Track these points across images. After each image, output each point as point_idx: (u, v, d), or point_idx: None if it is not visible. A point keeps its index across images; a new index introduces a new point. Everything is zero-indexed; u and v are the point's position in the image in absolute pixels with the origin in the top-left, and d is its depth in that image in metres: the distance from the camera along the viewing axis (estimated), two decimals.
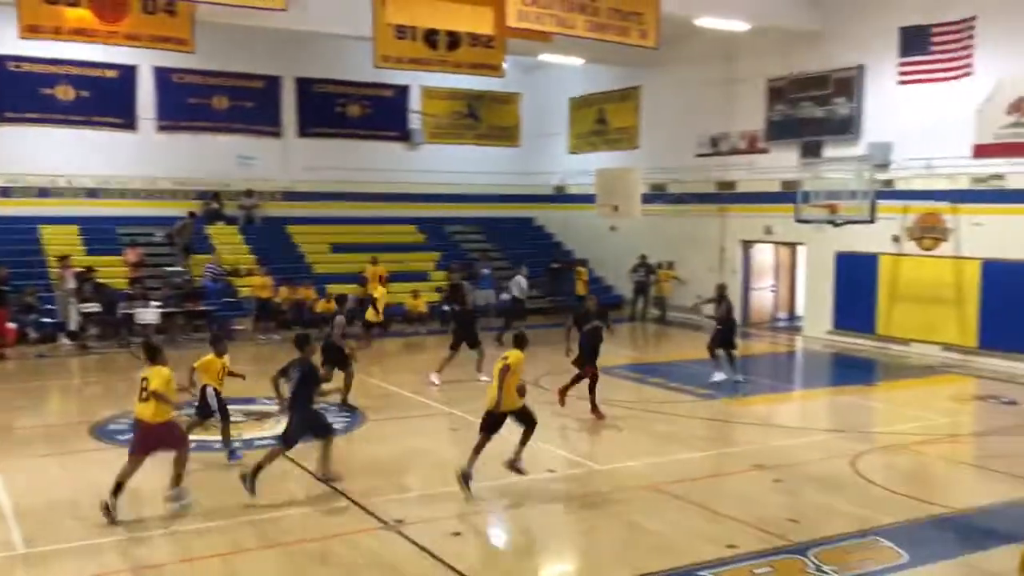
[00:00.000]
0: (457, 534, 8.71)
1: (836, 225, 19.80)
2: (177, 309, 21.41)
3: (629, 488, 10.24)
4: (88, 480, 10.09)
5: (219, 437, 11.40)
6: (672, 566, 7.91)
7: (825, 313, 21.81)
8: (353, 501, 9.61)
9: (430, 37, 20.09)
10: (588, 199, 26.08)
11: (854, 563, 8.08)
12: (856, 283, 20.92)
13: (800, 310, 23.85)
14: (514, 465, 10.11)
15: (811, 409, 15.49)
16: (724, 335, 16.12)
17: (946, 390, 16.10)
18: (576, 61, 25.56)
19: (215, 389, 11.07)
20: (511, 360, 9.91)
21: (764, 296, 24.87)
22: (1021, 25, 17.74)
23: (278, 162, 27.25)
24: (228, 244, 25.17)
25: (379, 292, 21.04)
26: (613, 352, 18.11)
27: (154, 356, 9.14)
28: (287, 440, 9.86)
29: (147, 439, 9.04)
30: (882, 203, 19.32)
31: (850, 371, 18.84)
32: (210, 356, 11.09)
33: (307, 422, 9.91)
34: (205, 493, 9.80)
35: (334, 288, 23.26)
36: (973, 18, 18.29)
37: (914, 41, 19.22)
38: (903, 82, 19.45)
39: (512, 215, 30.95)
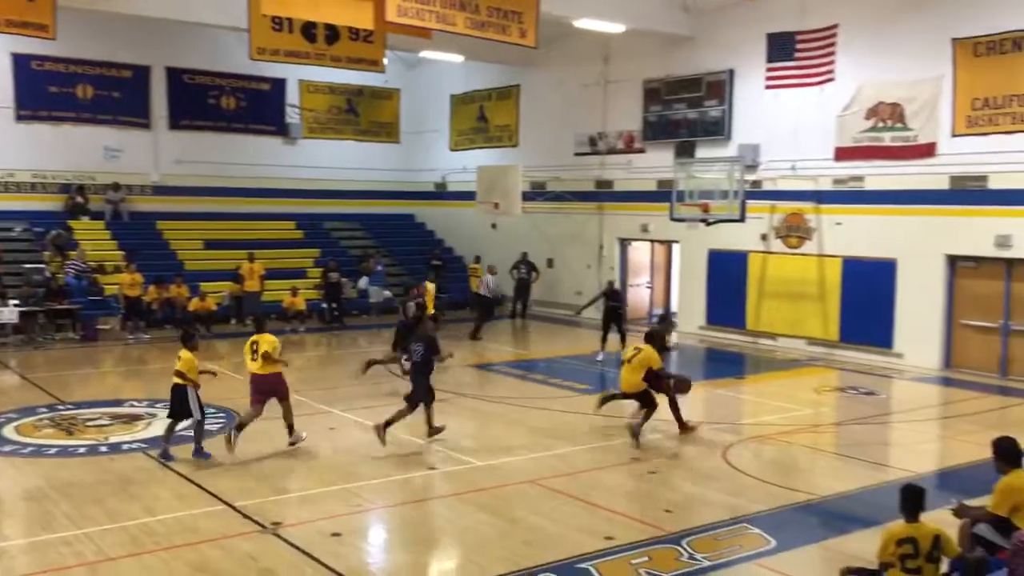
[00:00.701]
0: (336, 535, 8.60)
1: (708, 224, 20.43)
2: (38, 308, 20.36)
3: (509, 483, 10.32)
4: None
5: (80, 442, 10.92)
6: (552, 559, 8.02)
7: (698, 309, 22.51)
8: (228, 504, 9.37)
9: (308, 30, 19.73)
10: (469, 196, 26.15)
11: (725, 550, 8.37)
12: (727, 280, 21.68)
13: (675, 306, 24.53)
14: (635, 432, 11.91)
15: (685, 402, 15.93)
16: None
17: (810, 382, 16.85)
18: (456, 58, 25.59)
19: (195, 388, 10.95)
20: (644, 353, 12.13)
21: (641, 292, 25.47)
22: (879, 33, 18.72)
23: (148, 155, 26.26)
24: (94, 240, 24.09)
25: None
26: (495, 349, 18.29)
27: (261, 326, 11.42)
28: (412, 403, 11.72)
29: (260, 388, 11.27)
30: (751, 203, 20.06)
31: (721, 365, 19.52)
32: (189, 354, 10.97)
33: (425, 388, 11.68)
34: (70, 500, 9.39)
35: (208, 286, 22.61)
36: (835, 26, 19.19)
37: (780, 47, 20.00)
38: (770, 86, 20.25)
39: (393, 212, 30.74)
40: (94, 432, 12.30)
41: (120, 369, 17.23)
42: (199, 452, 10.97)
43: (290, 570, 7.83)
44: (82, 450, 11.41)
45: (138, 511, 9.13)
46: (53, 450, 11.41)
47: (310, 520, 8.98)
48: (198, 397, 10.94)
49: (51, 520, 8.84)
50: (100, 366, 18.05)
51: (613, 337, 18.46)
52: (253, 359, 11.13)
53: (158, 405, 13.96)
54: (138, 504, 9.35)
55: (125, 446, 11.65)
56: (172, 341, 20.33)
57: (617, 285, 21.30)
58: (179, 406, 10.88)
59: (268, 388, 11.22)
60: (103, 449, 11.47)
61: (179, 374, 10.88)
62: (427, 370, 11.73)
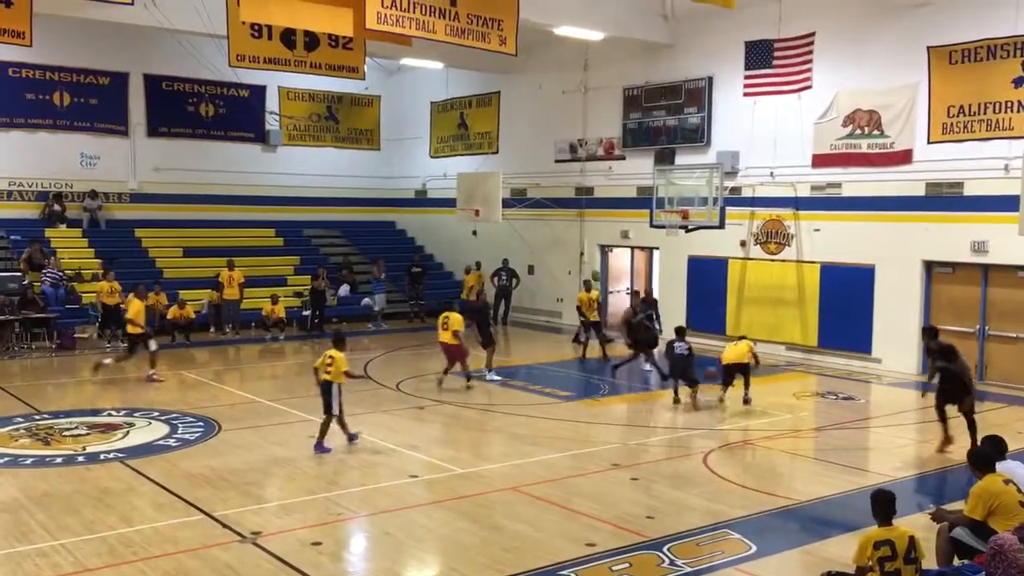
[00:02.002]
0: (317, 543, 8.56)
1: (688, 230, 20.52)
2: (12, 316, 20.15)
3: (490, 491, 10.31)
4: None
5: (57, 452, 10.83)
6: (534, 566, 8.01)
7: (679, 315, 22.52)
8: (207, 514, 9.30)
9: (287, 37, 19.63)
10: (450, 203, 26.14)
11: (706, 556, 8.39)
12: (707, 286, 21.77)
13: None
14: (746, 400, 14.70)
15: (665, 408, 15.99)
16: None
17: (790, 387, 16.94)
18: (436, 65, 25.58)
19: (339, 386, 11.88)
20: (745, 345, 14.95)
21: (622, 299, 25.50)
22: (856, 41, 18.89)
23: (125, 162, 26.08)
24: (71, 248, 23.89)
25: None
26: (476, 356, 18.23)
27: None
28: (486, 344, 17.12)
29: (449, 352, 15.99)
30: (730, 209, 20.15)
31: (701, 371, 19.52)
32: (341, 354, 11.95)
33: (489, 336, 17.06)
34: (46, 511, 9.29)
35: (187, 294, 22.47)
36: (812, 34, 19.33)
37: (758, 55, 20.16)
38: (748, 94, 20.37)
39: (373, 219, 30.67)
40: (71, 442, 12.19)
41: (97, 378, 17.06)
42: (319, 446, 11.82)
43: None
44: (59, 460, 11.29)
45: (116, 521, 9.05)
46: (29, 460, 11.29)
47: (290, 529, 8.93)
48: (340, 395, 11.91)
49: (27, 531, 8.75)
50: (77, 375, 17.87)
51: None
52: (443, 330, 13.88)
53: (136, 414, 13.88)
54: (115, 514, 9.26)
55: (103, 456, 11.54)
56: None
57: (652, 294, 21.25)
58: (327, 400, 11.93)
59: (455, 352, 15.83)
60: (80, 459, 11.35)
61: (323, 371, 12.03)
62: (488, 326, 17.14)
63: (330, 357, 11.94)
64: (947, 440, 12.23)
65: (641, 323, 17.55)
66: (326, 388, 11.93)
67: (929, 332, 13.05)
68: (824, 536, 9.02)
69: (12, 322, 20.11)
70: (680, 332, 15.66)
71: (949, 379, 12.18)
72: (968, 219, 17.28)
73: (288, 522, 9.17)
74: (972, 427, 11.96)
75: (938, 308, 18.12)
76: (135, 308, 16.60)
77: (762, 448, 12.53)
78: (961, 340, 17.61)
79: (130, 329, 16.78)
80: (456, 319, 15.93)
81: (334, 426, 11.92)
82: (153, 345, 16.59)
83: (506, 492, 10.26)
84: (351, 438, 12.07)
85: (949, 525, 7.24)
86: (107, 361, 17.10)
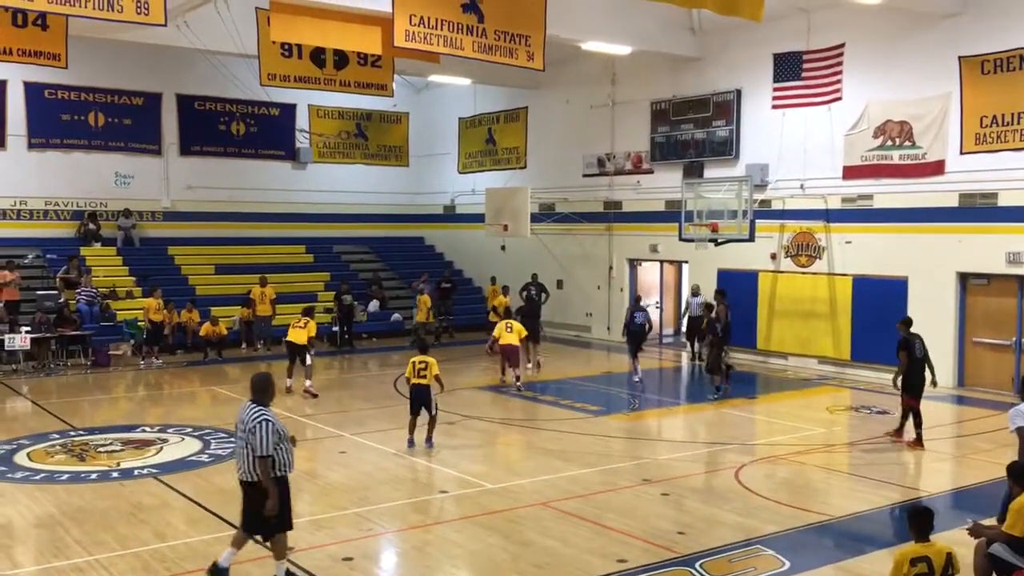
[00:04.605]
0: (348, 559, 8.57)
1: (718, 244, 20.41)
2: (50, 334, 20.45)
3: (521, 506, 10.28)
4: None
5: (92, 468, 10.94)
6: None
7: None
8: (239, 529, 9.33)
9: (317, 56, 19.91)
10: (478, 218, 26.22)
11: (738, 572, 8.31)
12: (737, 299, 21.54)
13: (683, 326, 24.42)
14: None
15: (696, 423, 15.89)
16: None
17: (822, 401, 16.76)
18: (464, 81, 25.73)
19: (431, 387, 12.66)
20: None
21: (651, 313, 25.39)
22: (886, 52, 18.75)
23: (158, 181, 26.45)
24: (105, 266, 24.22)
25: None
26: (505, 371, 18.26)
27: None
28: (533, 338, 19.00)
29: (511, 355, 17.42)
30: (760, 222, 20.04)
31: (732, 385, 19.39)
32: (433, 359, 12.69)
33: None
34: (81, 526, 9.39)
35: (218, 311, 22.68)
36: (842, 45, 19.25)
37: (787, 67, 20.10)
38: (777, 106, 20.30)
39: (402, 235, 30.85)
40: (106, 458, 12.32)
41: (132, 395, 17.28)
42: (429, 442, 12.74)
43: None
44: (94, 476, 11.42)
45: (149, 536, 9.13)
46: (65, 476, 11.43)
47: (321, 545, 8.95)
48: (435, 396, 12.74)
49: (63, 547, 8.84)
50: (112, 392, 18.10)
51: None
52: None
53: (169, 430, 14.01)
54: (149, 530, 9.34)
55: (136, 471, 11.66)
56: (183, 366, 20.50)
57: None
58: (421, 403, 12.58)
59: (512, 354, 16.90)
60: (115, 475, 11.48)
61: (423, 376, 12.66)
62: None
63: (423, 362, 12.58)
64: (901, 432, 13.50)
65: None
66: (420, 392, 12.57)
67: (907, 323, 13.83)
68: (859, 552, 8.89)
69: (48, 339, 20.41)
70: (638, 301, 19.07)
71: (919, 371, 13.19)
72: (1003, 230, 17.05)
73: (319, 537, 9.19)
74: (914, 416, 13.26)
75: (973, 320, 17.89)
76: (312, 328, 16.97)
77: (795, 463, 12.39)
78: (997, 353, 17.46)
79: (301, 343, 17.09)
80: (519, 327, 17.74)
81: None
82: (309, 359, 16.94)
83: (536, 507, 10.22)
84: (428, 441, 12.82)
85: (987, 541, 7.12)
86: (290, 381, 17.04)
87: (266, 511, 7.44)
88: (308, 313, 17.50)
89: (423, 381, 12.59)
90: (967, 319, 17.96)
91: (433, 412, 12.73)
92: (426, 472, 11.79)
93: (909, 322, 13.84)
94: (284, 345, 17.73)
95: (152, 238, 26.21)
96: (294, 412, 15.52)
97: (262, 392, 7.70)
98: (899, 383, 13.20)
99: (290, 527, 7.89)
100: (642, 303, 19.35)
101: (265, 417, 7.49)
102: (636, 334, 18.39)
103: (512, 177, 27.20)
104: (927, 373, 13.36)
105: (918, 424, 13.19)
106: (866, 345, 19.20)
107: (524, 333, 17.91)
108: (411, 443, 12.77)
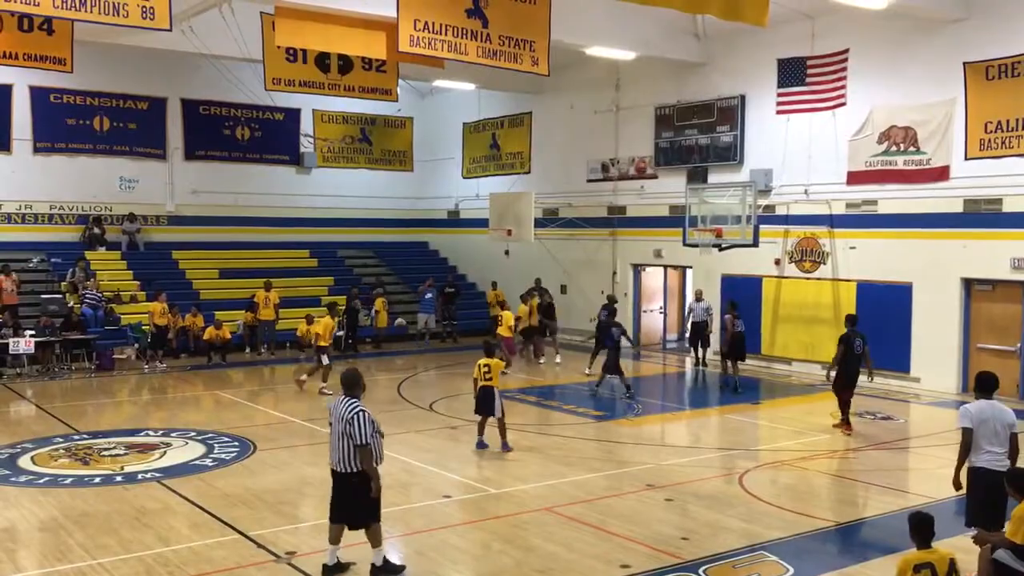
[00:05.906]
0: (351, 564, 8.56)
1: (721, 249, 20.39)
2: (54, 338, 20.48)
3: (524, 511, 10.27)
4: None
5: (96, 472, 10.94)
6: None
7: (712, 334, 22.38)
8: (242, 534, 9.35)
9: (322, 60, 19.95)
10: (482, 223, 26.23)
11: None
12: (741, 305, 21.53)
13: (687, 331, 24.37)
14: None
15: (700, 428, 15.87)
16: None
17: (826, 407, 16.68)
18: (468, 86, 25.77)
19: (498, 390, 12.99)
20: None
21: (654, 318, 25.41)
22: (890, 58, 18.75)
23: (163, 186, 26.51)
24: (110, 270, 24.27)
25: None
26: (509, 375, 18.27)
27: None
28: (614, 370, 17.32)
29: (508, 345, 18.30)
30: (764, 227, 20.03)
31: (736, 390, 19.37)
32: (499, 361, 13.15)
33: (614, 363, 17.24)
34: (85, 530, 9.39)
35: (223, 315, 22.71)
36: (846, 51, 19.24)
37: (791, 72, 20.10)
38: (781, 111, 20.30)
39: (406, 239, 30.87)
40: (109, 462, 12.33)
41: (135, 399, 17.29)
42: (504, 446, 12.95)
43: None
44: (97, 480, 11.43)
45: (152, 541, 9.13)
46: (68, 480, 11.44)
47: (325, 549, 8.91)
48: (500, 399, 12.98)
49: (66, 550, 8.85)
50: (115, 396, 18.12)
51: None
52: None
53: (173, 434, 14.02)
54: (152, 534, 9.34)
55: (140, 476, 11.67)
56: (187, 371, 20.52)
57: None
58: (486, 403, 12.85)
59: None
60: (118, 479, 11.49)
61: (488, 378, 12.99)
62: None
63: (486, 366, 12.88)
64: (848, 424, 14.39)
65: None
66: (485, 393, 12.88)
67: (851, 320, 14.83)
68: (863, 558, 8.87)
69: (53, 343, 20.45)
70: (611, 300, 20.08)
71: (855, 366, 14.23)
72: (1007, 236, 17.02)
73: (323, 542, 9.15)
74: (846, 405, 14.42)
75: (977, 326, 17.85)
76: (326, 325, 18.10)
77: (799, 469, 12.37)
78: (1002, 359, 17.40)
79: (320, 343, 18.02)
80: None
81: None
82: (326, 359, 17.76)
83: (540, 512, 10.21)
84: (505, 445, 13.00)
85: (992, 547, 7.10)
86: (304, 378, 18.09)
87: (372, 493, 8.07)
88: (330, 309, 19.02)
89: (489, 383, 12.91)
90: (972, 325, 17.92)
91: (498, 415, 12.93)
92: (429, 477, 11.78)
93: (854, 319, 14.76)
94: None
95: (156, 242, 26.26)
96: (296, 417, 15.52)
97: (354, 386, 8.26)
98: (831, 375, 14.43)
99: (378, 518, 8.32)
100: (615, 305, 20.66)
101: (361, 408, 8.06)
102: (603, 327, 18.71)
103: (516, 182, 27.21)
104: (864, 370, 14.57)
105: (846, 409, 14.46)
106: (870, 351, 19.07)
107: (511, 322, 20.17)
108: (480, 444, 13.12)
